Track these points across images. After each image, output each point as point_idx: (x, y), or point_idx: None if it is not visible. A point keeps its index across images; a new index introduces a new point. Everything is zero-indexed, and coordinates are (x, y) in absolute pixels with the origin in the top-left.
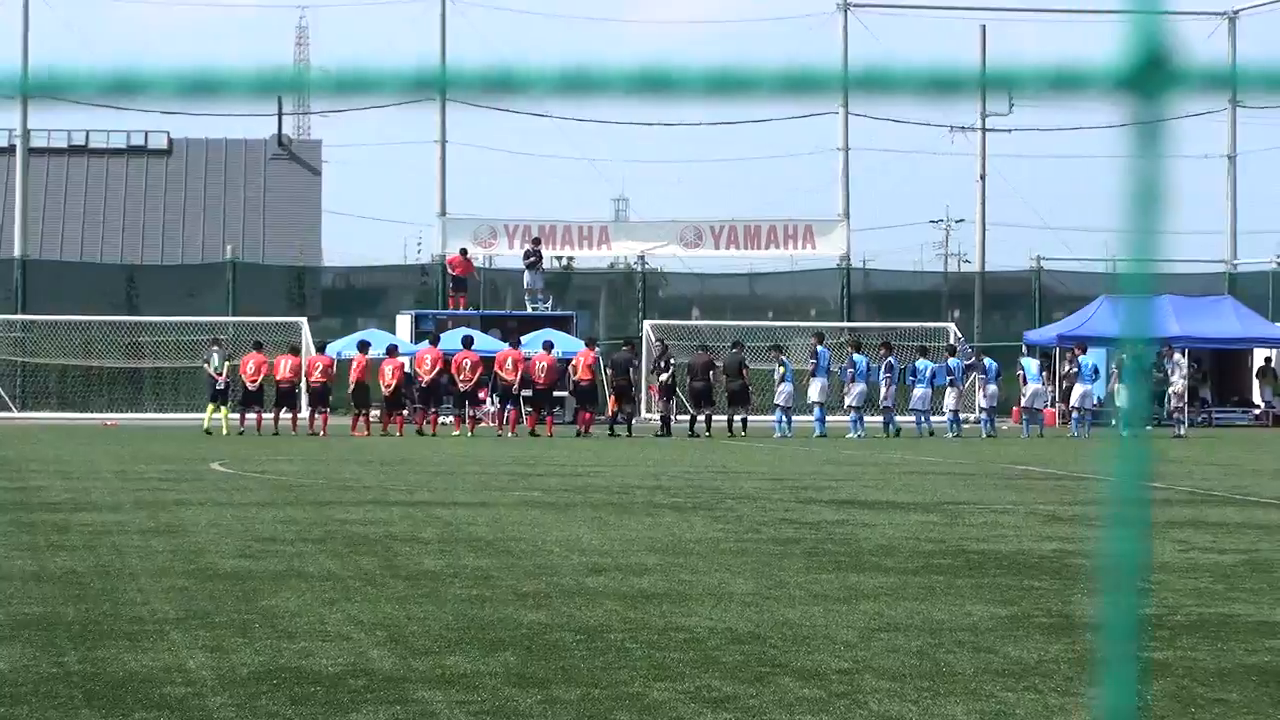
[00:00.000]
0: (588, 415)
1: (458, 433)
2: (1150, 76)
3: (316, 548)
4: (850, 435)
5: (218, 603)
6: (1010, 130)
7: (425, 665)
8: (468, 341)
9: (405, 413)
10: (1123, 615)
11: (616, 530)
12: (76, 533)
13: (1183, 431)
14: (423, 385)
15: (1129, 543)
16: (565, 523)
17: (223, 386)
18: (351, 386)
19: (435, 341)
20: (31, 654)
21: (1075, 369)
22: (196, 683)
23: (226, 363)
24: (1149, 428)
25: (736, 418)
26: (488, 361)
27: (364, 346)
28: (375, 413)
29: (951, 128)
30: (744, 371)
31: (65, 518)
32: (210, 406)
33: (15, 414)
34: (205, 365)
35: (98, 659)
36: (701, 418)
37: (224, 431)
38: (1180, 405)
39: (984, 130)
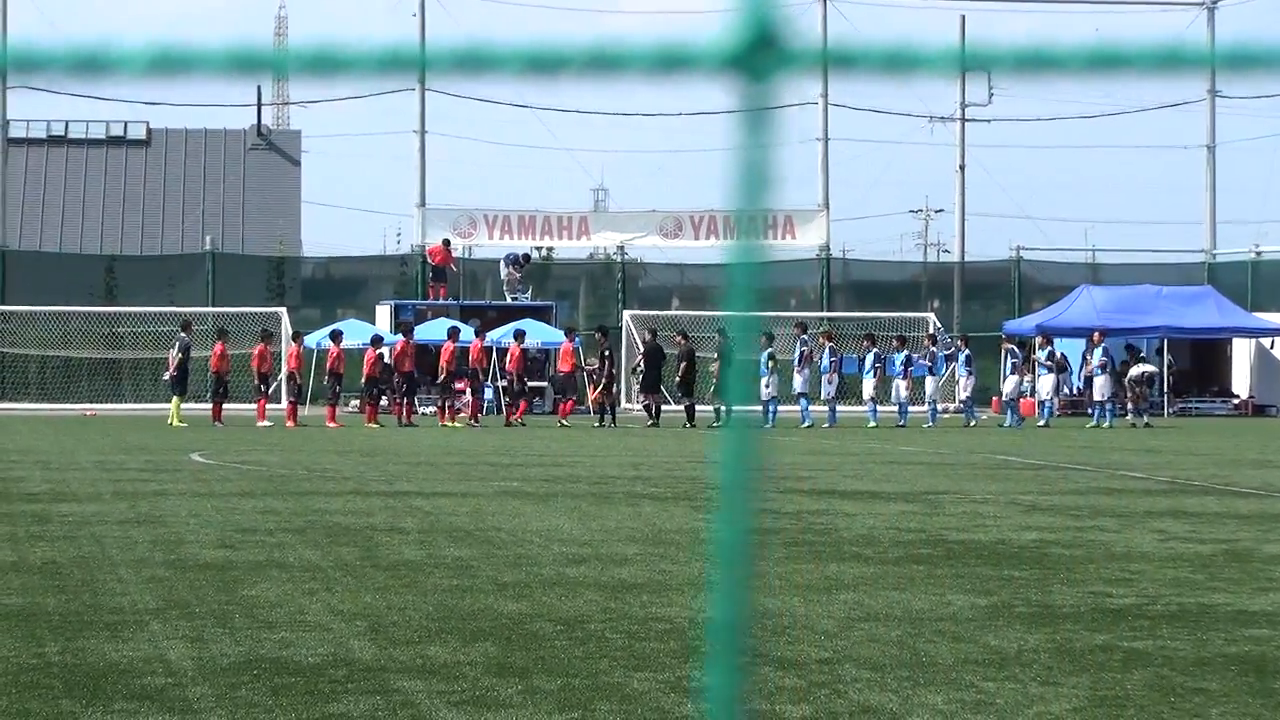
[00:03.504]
0: (567, 405)
1: (447, 423)
2: (759, 56)
3: (296, 538)
4: (825, 425)
5: (198, 593)
6: (989, 120)
7: (406, 655)
8: (453, 333)
9: (384, 402)
10: (731, 607)
11: (596, 520)
12: (56, 523)
13: (1134, 421)
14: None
15: (734, 531)
16: (545, 513)
17: (168, 378)
18: (326, 377)
19: (409, 333)
20: (11, 645)
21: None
22: (177, 673)
23: (180, 354)
24: (761, 414)
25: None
26: (465, 352)
27: (336, 337)
28: (355, 403)
29: (931, 118)
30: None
31: (45, 508)
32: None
33: None
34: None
35: (78, 649)
36: (682, 407)
37: (171, 423)
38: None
39: (963, 120)
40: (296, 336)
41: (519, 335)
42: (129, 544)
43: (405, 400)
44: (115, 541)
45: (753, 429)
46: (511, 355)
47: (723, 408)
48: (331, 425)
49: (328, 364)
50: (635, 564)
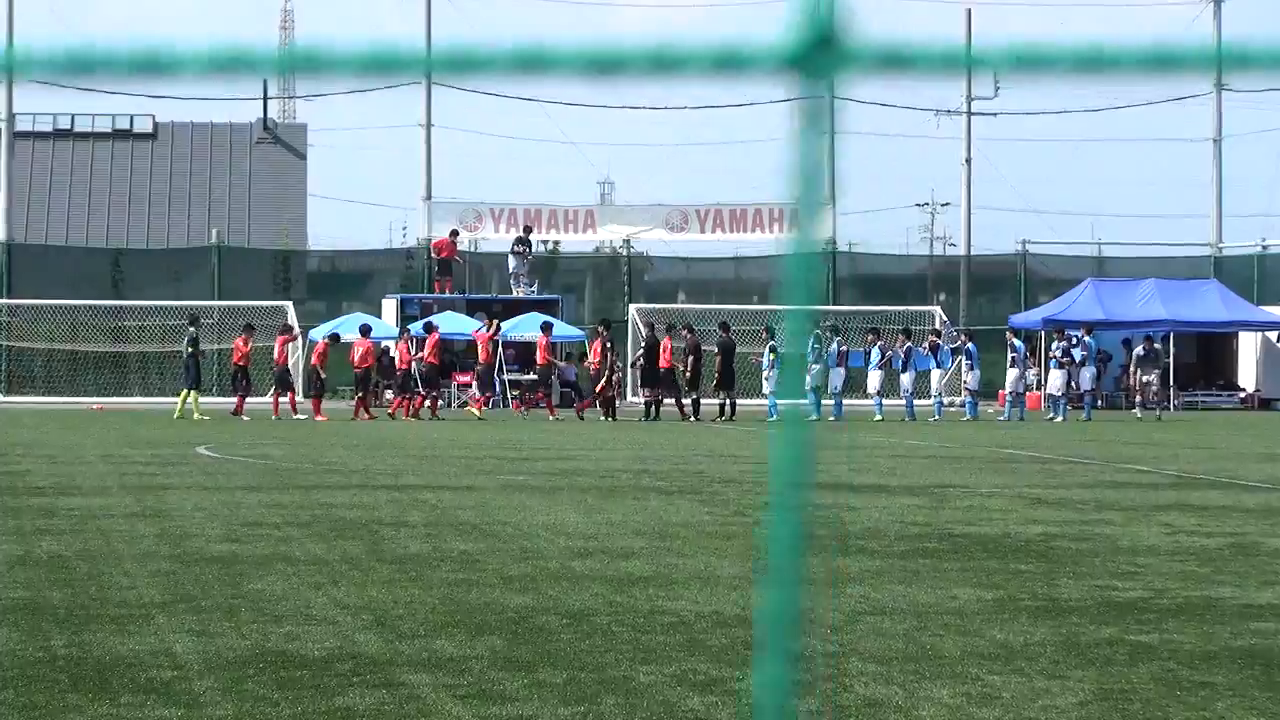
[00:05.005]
0: (540, 395)
1: (478, 414)
2: (818, 56)
3: (303, 532)
4: (826, 418)
5: (204, 587)
6: (996, 114)
7: (412, 649)
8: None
9: (389, 395)
10: (784, 604)
11: (602, 514)
12: (63, 517)
13: (1157, 416)
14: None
15: (788, 527)
16: (551, 507)
17: (185, 370)
18: (312, 372)
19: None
20: (18, 638)
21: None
22: (183, 666)
23: (189, 348)
24: (813, 411)
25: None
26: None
27: (366, 330)
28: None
29: (937, 111)
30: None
31: (51, 502)
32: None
33: (1, 398)
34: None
35: (84, 643)
36: (688, 401)
37: (176, 415)
38: (1155, 393)
39: (969, 114)
40: (335, 337)
41: (546, 327)
42: (135, 538)
43: (431, 394)
44: (121, 535)
45: (808, 425)
46: (481, 344)
47: (728, 402)
48: (320, 419)
49: (314, 359)
50: (641, 557)
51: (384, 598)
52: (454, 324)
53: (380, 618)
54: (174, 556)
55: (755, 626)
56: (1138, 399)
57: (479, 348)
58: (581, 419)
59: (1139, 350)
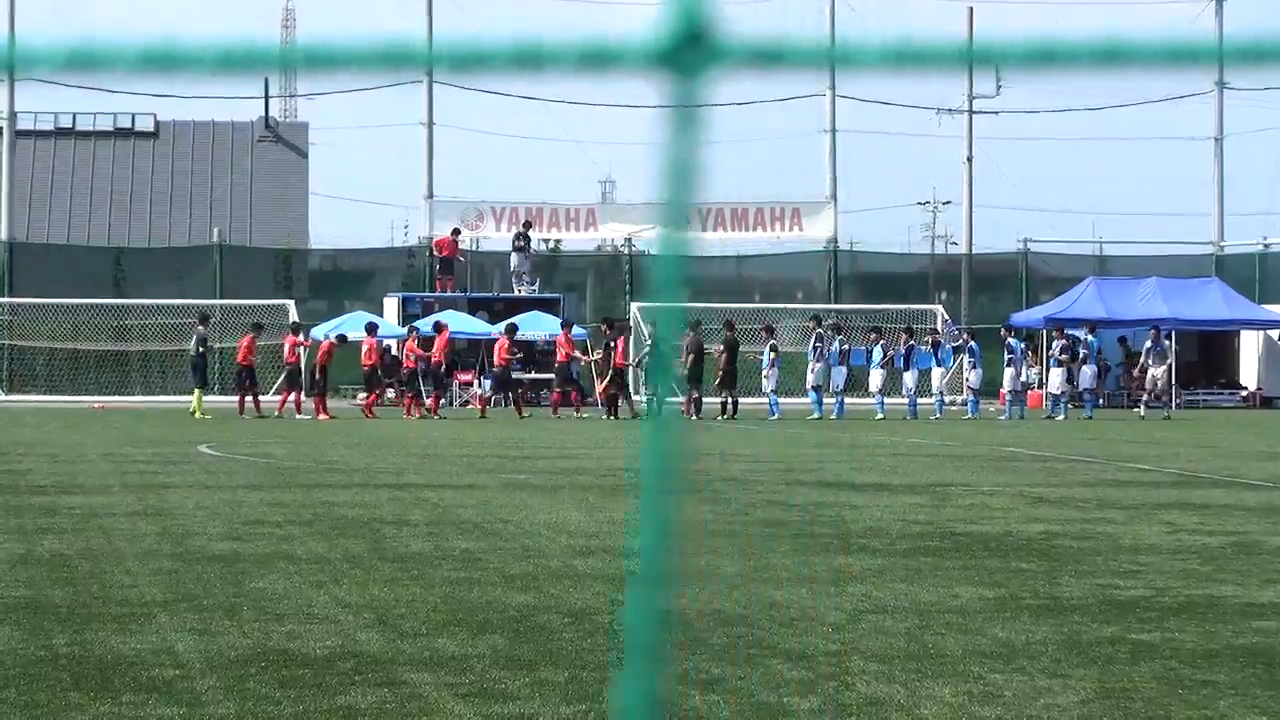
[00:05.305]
0: (558, 395)
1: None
2: (688, 52)
3: (304, 530)
4: (829, 416)
5: (206, 585)
6: (997, 112)
7: (413, 647)
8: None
9: (391, 394)
10: (647, 604)
11: (604, 512)
12: (64, 515)
13: (1168, 414)
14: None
15: (655, 527)
16: (553, 505)
17: (193, 369)
18: (315, 370)
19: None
20: (19, 637)
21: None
22: (185, 665)
23: (198, 346)
24: (684, 408)
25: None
26: (474, 345)
27: (370, 329)
28: (361, 396)
29: (938, 109)
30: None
31: (53, 500)
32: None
33: (2, 397)
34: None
35: (86, 642)
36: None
37: (194, 414)
38: (1161, 388)
39: (970, 112)
40: (342, 338)
41: (567, 324)
42: (137, 536)
43: (438, 391)
44: (123, 534)
45: (677, 421)
46: (439, 344)
47: (730, 400)
48: (323, 417)
49: (318, 358)
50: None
51: (386, 596)
52: (458, 323)
53: (382, 616)
54: (176, 555)
55: (622, 631)
56: (1144, 395)
57: (496, 352)
58: (583, 417)
59: (1148, 343)
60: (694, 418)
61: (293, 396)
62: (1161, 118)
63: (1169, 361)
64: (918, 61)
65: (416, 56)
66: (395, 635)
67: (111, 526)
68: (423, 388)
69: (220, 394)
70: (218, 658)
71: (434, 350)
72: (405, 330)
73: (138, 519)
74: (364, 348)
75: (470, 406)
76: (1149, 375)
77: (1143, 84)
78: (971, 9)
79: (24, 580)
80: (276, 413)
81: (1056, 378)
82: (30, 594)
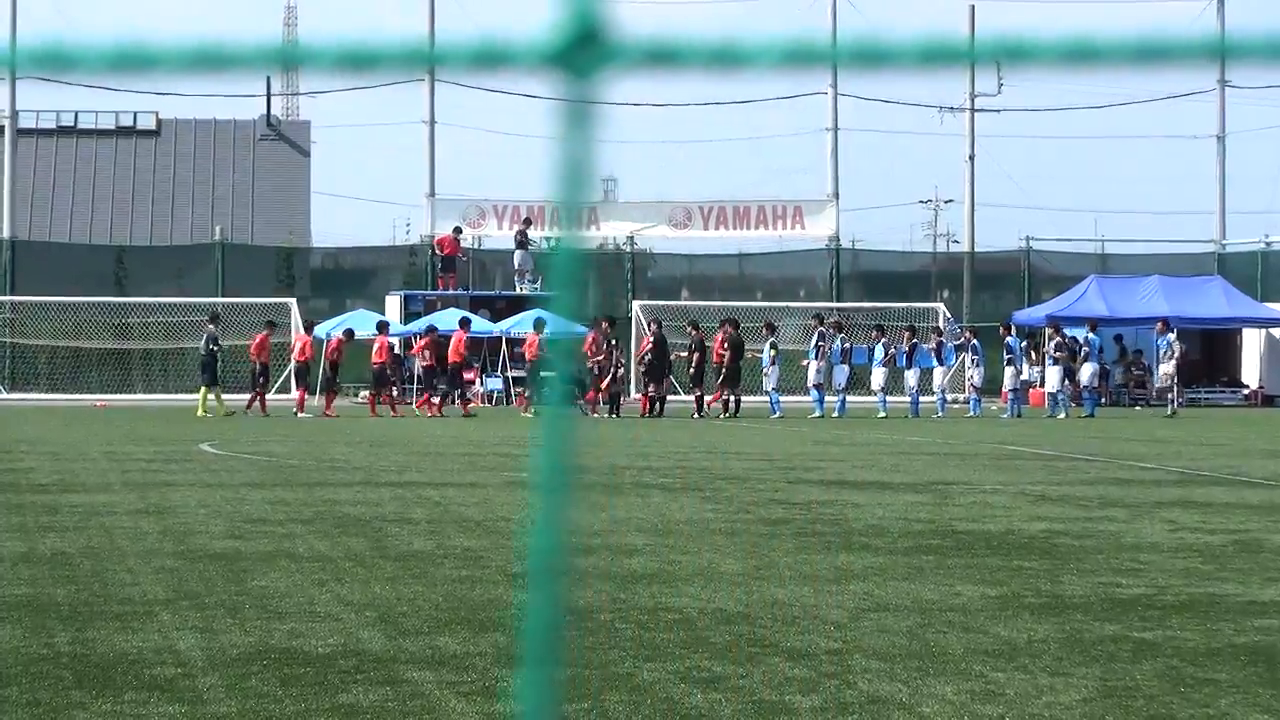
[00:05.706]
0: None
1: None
2: (581, 52)
3: (306, 528)
4: (830, 414)
5: (207, 583)
6: (999, 110)
7: (415, 646)
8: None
9: (395, 392)
10: (546, 606)
11: (605, 511)
12: (66, 514)
13: (1170, 411)
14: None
15: (549, 527)
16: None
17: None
18: (324, 367)
19: (466, 325)
20: (21, 635)
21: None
22: (187, 663)
23: (209, 345)
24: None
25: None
26: (478, 343)
27: (383, 328)
28: (364, 393)
29: (940, 108)
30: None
31: (54, 499)
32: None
33: (4, 395)
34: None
35: (88, 640)
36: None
37: (222, 414)
38: (1170, 385)
39: (973, 110)
40: (350, 334)
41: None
42: (138, 534)
43: (454, 390)
44: (125, 532)
45: (570, 420)
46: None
47: (732, 399)
48: (329, 414)
49: (326, 355)
50: (644, 554)
51: (387, 594)
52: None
53: (384, 614)
54: (177, 553)
55: (518, 638)
56: (1168, 392)
57: (527, 348)
58: (585, 415)
59: (1170, 336)
60: (696, 416)
61: (297, 393)
62: (1163, 116)
63: (1176, 358)
64: (810, 59)
65: (308, 55)
66: (397, 633)
67: (113, 525)
68: (438, 386)
69: (228, 392)
70: (219, 656)
71: (450, 349)
72: (423, 329)
73: (139, 517)
74: (375, 346)
75: (473, 405)
76: (1161, 371)
77: (1147, 83)
78: (973, 6)
79: (26, 578)
80: (296, 413)
81: (1054, 376)
82: (32, 592)
